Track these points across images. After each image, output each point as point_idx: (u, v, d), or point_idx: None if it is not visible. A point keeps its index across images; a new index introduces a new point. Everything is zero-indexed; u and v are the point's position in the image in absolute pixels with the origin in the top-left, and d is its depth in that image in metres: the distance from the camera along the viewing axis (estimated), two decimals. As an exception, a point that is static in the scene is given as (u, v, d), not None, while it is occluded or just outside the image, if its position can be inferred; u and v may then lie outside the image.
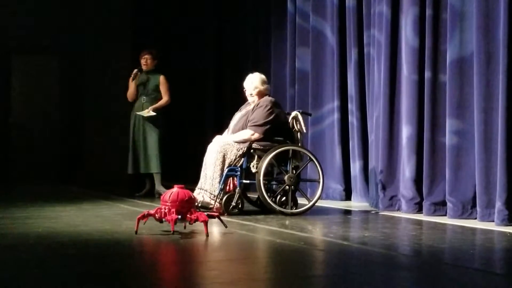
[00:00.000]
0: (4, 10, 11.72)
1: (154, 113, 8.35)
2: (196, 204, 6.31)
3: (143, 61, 8.55)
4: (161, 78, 8.53)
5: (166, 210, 5.02)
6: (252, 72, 7.23)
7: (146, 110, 8.35)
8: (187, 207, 5.08)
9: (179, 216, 4.97)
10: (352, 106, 7.98)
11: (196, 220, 5.03)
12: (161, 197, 5.23)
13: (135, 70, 8.54)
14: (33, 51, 12.10)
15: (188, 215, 5.06)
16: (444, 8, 6.64)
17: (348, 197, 8.20)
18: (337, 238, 5.13)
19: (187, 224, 5.18)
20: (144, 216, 5.11)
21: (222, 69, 10.57)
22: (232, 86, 9.56)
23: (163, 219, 5.07)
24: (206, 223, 4.99)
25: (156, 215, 5.09)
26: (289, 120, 6.87)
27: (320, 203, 7.72)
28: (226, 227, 5.26)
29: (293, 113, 6.89)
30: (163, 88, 8.51)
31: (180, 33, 11.58)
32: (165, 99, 8.49)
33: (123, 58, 11.90)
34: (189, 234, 5.16)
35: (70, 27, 12.10)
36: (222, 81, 10.48)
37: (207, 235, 4.99)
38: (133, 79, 8.52)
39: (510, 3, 5.88)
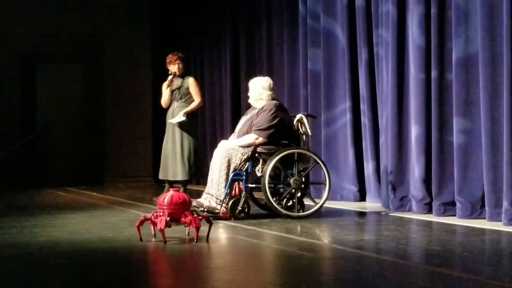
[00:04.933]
0: (27, 20, 11.96)
1: (184, 118, 8.17)
2: (202, 209, 6.38)
3: (174, 66, 8.29)
4: (191, 81, 8.35)
5: (160, 214, 5.06)
6: (265, 75, 7.25)
7: (178, 116, 8.28)
8: (181, 210, 5.11)
9: (168, 219, 5.00)
10: (364, 107, 7.94)
11: (190, 224, 5.07)
12: (157, 200, 5.26)
13: (170, 76, 8.29)
14: (56, 60, 12.33)
15: (182, 218, 5.09)
16: (449, 6, 6.56)
17: (362, 197, 8.15)
18: (333, 242, 5.12)
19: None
20: (142, 222, 5.14)
21: (238, 71, 10.58)
22: (247, 89, 9.54)
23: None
24: (197, 229, 5.02)
25: (153, 218, 5.14)
26: (294, 123, 6.84)
27: (334, 205, 7.73)
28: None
29: (298, 116, 6.85)
30: (193, 90, 8.30)
31: (196, 35, 11.70)
32: (197, 101, 8.31)
33: (143, 64, 12.10)
34: (186, 240, 5.19)
35: (92, 35, 12.29)
36: (238, 83, 10.47)
37: (196, 241, 5.02)
38: (168, 86, 8.29)
39: (513, 1, 5.79)
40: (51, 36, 12.06)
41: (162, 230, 4.98)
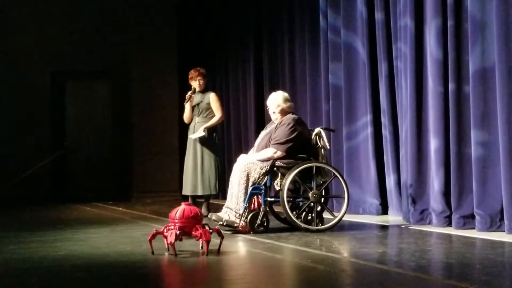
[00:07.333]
0: (57, 38, 12.21)
1: (204, 133, 8.22)
2: (222, 223, 6.44)
3: (195, 83, 8.35)
4: (212, 96, 8.39)
5: (172, 227, 5.13)
6: (287, 89, 7.28)
7: (198, 131, 8.27)
8: (192, 223, 5.18)
9: (178, 232, 5.06)
10: (384, 120, 7.94)
11: (201, 237, 5.13)
12: (169, 214, 5.33)
13: (190, 92, 8.36)
14: (85, 77, 12.55)
15: (193, 232, 5.16)
16: (465, 19, 6.56)
17: (385, 211, 8.12)
18: (348, 255, 5.13)
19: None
20: (154, 236, 5.21)
21: (262, 86, 10.64)
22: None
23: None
24: (208, 242, 5.08)
25: (164, 232, 5.21)
26: (312, 137, 6.87)
27: (356, 218, 7.73)
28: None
29: (316, 130, 6.88)
30: (214, 105, 8.33)
31: (220, 50, 11.84)
32: (217, 116, 8.34)
33: (170, 80, 12.26)
34: (198, 253, 5.26)
35: (120, 52, 12.48)
36: (262, 97, 10.51)
37: (207, 254, 5.09)
38: (187, 101, 8.36)
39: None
40: (80, 54, 12.29)
41: (172, 244, 5.05)
